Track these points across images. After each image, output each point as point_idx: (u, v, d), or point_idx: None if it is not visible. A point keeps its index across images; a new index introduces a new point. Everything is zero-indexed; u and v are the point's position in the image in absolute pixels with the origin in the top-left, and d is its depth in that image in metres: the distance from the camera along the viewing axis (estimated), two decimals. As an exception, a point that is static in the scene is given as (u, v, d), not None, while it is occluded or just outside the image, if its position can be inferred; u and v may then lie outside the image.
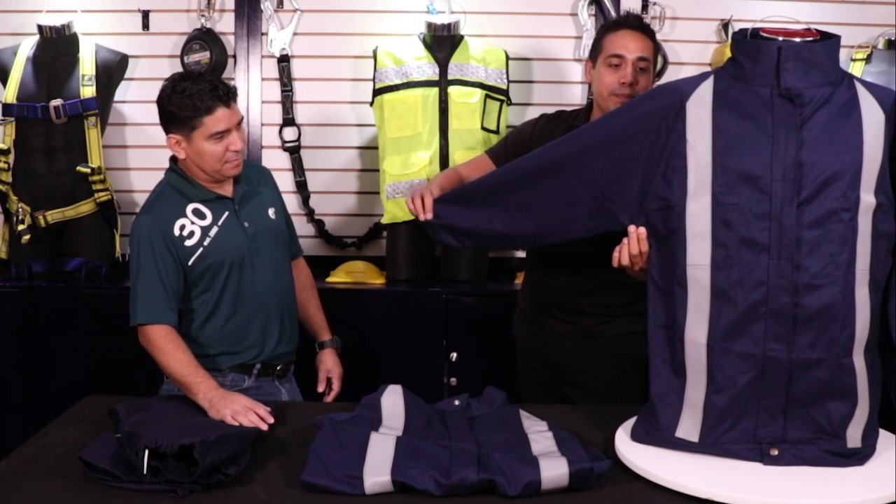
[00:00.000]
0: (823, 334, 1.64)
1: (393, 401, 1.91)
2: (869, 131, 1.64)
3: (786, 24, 1.71)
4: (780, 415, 1.67)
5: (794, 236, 1.62)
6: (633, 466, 1.69)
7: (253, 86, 3.34)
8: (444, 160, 3.04)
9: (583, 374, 2.32)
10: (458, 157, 3.01)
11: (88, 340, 3.01)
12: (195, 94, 2.07)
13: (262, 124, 3.36)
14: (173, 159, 2.21)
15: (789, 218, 1.62)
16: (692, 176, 1.69)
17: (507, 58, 3.13)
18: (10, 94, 3.12)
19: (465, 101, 3.04)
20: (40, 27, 3.15)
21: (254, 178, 2.29)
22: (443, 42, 3.10)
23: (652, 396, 1.76)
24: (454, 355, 2.99)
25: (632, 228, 1.80)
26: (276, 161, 3.32)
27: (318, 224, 3.40)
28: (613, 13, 3.21)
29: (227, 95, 2.11)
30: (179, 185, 2.18)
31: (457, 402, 1.98)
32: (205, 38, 3.25)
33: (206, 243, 2.15)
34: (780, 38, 1.67)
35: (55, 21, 3.15)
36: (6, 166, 3.14)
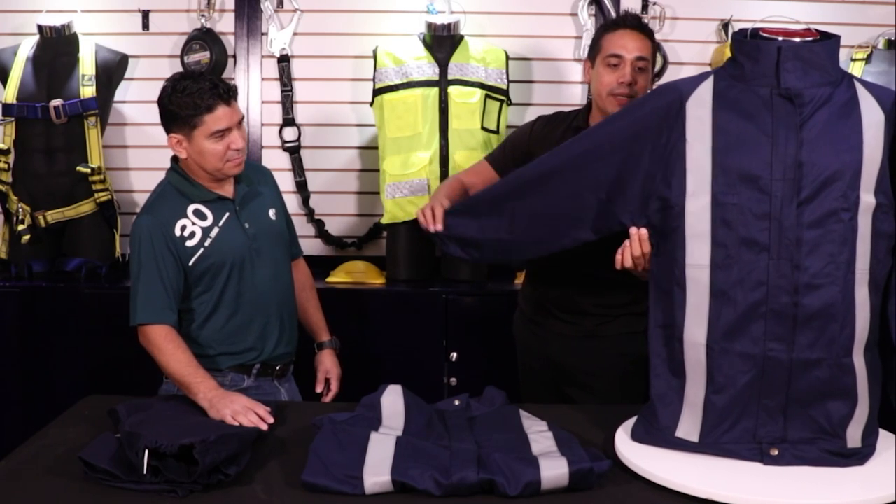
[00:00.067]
0: (823, 334, 1.64)
1: (393, 401, 1.91)
2: (869, 131, 1.64)
3: (786, 24, 1.71)
4: (780, 415, 1.67)
5: (793, 236, 1.62)
6: (633, 466, 1.69)
7: (253, 86, 3.34)
8: (443, 160, 3.04)
9: (584, 375, 2.32)
10: (458, 157, 3.01)
11: (88, 340, 3.01)
12: (195, 92, 2.08)
13: (262, 124, 3.36)
14: (174, 159, 2.21)
15: (789, 218, 1.62)
16: (692, 176, 1.69)
17: (507, 58, 3.13)
18: (10, 94, 3.12)
19: (465, 101, 3.04)
20: (40, 27, 3.15)
21: (254, 178, 2.29)
22: (443, 42, 3.10)
23: (652, 396, 1.77)
24: (454, 355, 2.99)
25: (633, 230, 1.80)
26: (276, 161, 3.32)
27: (318, 224, 3.40)
28: (613, 13, 3.21)
29: (228, 94, 2.11)
30: (181, 185, 2.18)
31: (457, 402, 1.97)
32: (205, 38, 3.25)
33: (206, 244, 2.15)
34: (780, 38, 1.67)
35: (55, 21, 3.16)
36: (6, 166, 3.14)
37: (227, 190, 2.21)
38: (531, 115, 3.01)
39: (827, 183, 1.62)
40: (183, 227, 2.14)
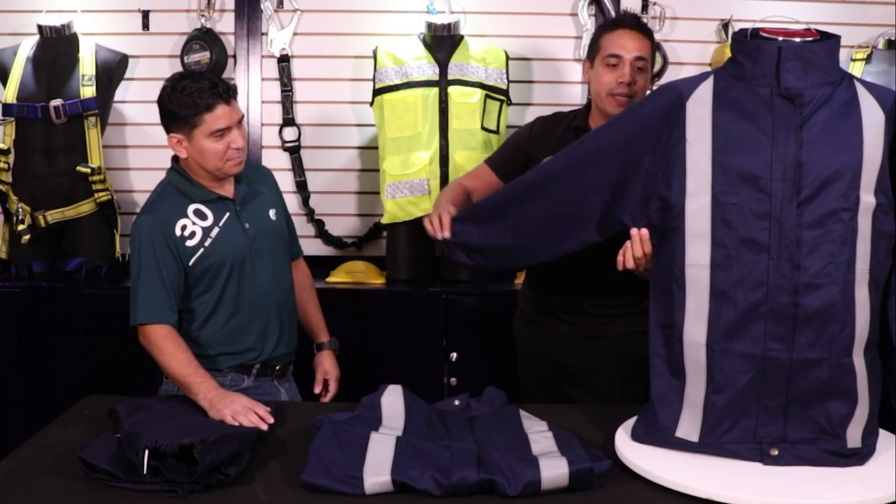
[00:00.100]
0: (823, 334, 1.64)
1: (393, 401, 1.91)
2: (869, 131, 1.64)
3: (786, 24, 1.71)
4: (779, 415, 1.67)
5: (793, 236, 1.62)
6: (633, 466, 1.69)
7: (253, 86, 3.34)
8: (443, 160, 3.04)
9: (584, 375, 2.32)
10: (458, 157, 3.01)
11: (88, 340, 3.01)
12: (195, 92, 2.08)
13: (262, 124, 3.36)
14: (175, 159, 2.21)
15: (789, 218, 1.62)
16: (692, 176, 1.69)
17: (507, 58, 3.13)
18: (10, 94, 3.12)
19: (465, 101, 3.04)
20: (40, 27, 3.15)
21: (255, 178, 2.29)
22: (443, 42, 3.10)
23: (652, 396, 1.77)
24: (454, 355, 2.99)
25: (634, 231, 1.80)
26: (276, 161, 3.32)
27: (318, 224, 3.40)
28: (613, 13, 3.21)
29: (227, 93, 2.11)
30: (181, 185, 2.18)
31: (457, 402, 1.97)
32: (205, 38, 3.25)
33: (207, 244, 2.15)
34: (780, 38, 1.67)
35: (55, 21, 3.16)
36: (6, 166, 3.14)
37: (228, 190, 2.21)
38: (531, 115, 3.01)
39: (827, 183, 1.62)
40: (183, 227, 2.14)
